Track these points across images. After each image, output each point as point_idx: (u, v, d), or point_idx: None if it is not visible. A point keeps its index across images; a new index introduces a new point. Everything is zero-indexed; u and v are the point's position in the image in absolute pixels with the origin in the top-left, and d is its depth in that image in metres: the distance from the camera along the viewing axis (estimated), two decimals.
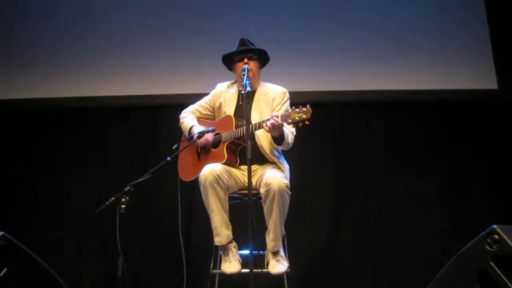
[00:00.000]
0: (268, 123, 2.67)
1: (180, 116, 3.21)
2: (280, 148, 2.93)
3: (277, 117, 2.66)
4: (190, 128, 3.07)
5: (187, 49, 4.25)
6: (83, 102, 4.23)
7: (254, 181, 2.86)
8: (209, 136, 2.99)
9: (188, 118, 3.15)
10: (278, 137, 2.80)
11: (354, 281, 3.91)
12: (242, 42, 3.07)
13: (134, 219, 3.89)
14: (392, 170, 4.04)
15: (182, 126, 3.16)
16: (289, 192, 2.76)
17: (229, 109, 3.07)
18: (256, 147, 2.93)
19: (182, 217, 2.99)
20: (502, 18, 4.12)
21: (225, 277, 2.89)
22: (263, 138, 2.95)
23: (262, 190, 2.76)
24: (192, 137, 2.97)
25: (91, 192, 3.99)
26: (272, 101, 3.03)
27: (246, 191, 2.66)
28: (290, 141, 2.88)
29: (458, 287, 1.99)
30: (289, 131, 2.87)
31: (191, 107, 3.24)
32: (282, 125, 2.69)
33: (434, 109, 4.15)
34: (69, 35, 4.32)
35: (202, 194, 2.81)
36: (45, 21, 4.35)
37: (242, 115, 2.85)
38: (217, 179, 2.75)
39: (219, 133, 3.01)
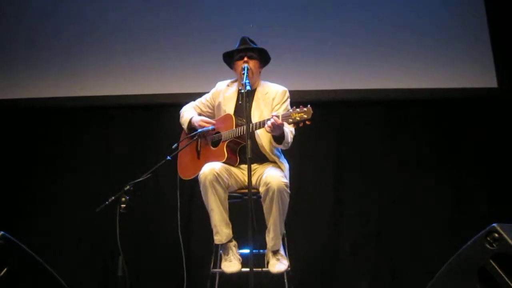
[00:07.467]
0: (269, 122, 2.67)
1: (180, 111, 3.21)
2: (279, 147, 2.93)
3: (277, 117, 2.65)
4: (190, 120, 3.08)
5: (187, 48, 4.25)
6: (83, 102, 4.23)
7: (254, 180, 2.85)
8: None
9: (188, 112, 3.16)
10: (278, 137, 2.80)
11: (354, 280, 3.91)
12: (243, 40, 3.05)
13: (134, 218, 3.88)
14: (392, 169, 4.03)
15: (182, 120, 3.16)
16: (289, 191, 2.76)
17: (229, 108, 3.07)
18: (256, 146, 2.93)
19: (181, 216, 2.99)
20: (502, 16, 4.11)
21: (225, 276, 2.89)
22: (263, 137, 2.95)
23: (261, 189, 2.76)
24: (193, 136, 2.97)
25: (91, 192, 3.98)
26: (272, 100, 3.02)
27: (246, 190, 2.66)
28: (289, 140, 2.87)
29: (458, 286, 1.99)
30: (289, 130, 2.86)
31: (191, 104, 3.25)
32: (282, 125, 2.69)
33: (434, 108, 4.14)
34: (68, 34, 4.32)
35: (202, 193, 2.81)
36: (44, 20, 4.34)
37: (242, 114, 2.85)
38: (217, 178, 2.75)
39: (219, 132, 3.01)
